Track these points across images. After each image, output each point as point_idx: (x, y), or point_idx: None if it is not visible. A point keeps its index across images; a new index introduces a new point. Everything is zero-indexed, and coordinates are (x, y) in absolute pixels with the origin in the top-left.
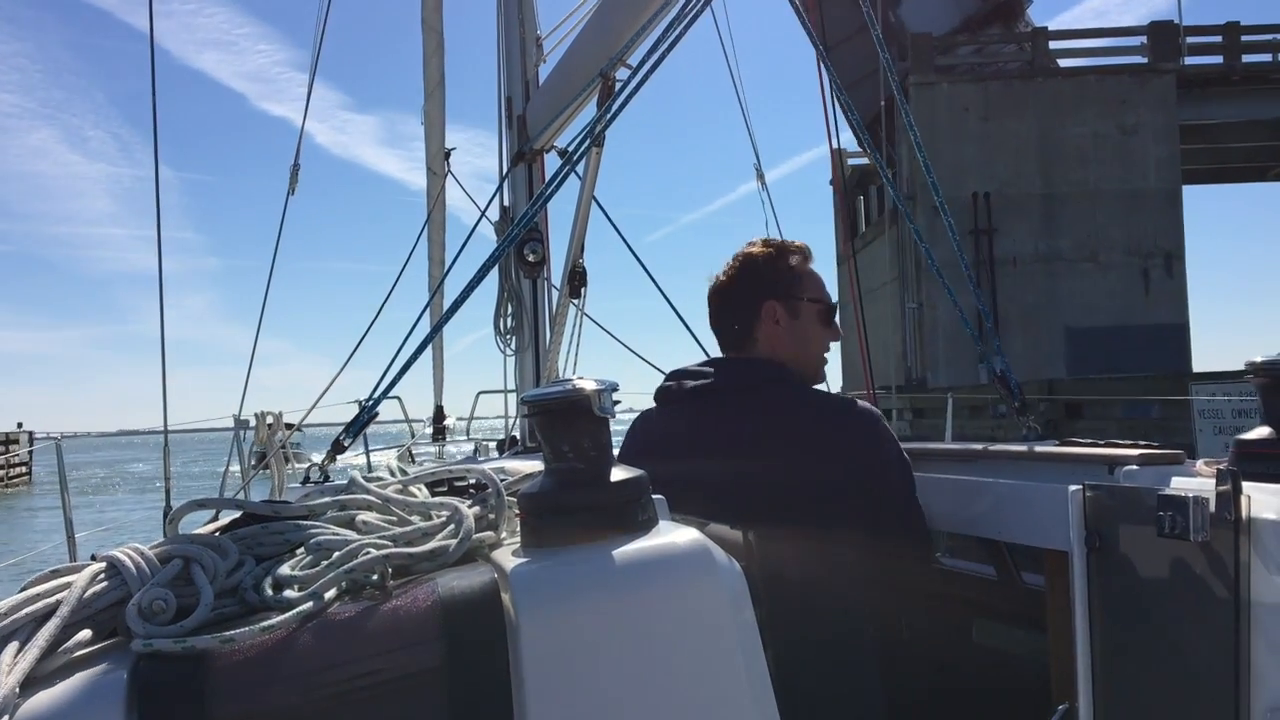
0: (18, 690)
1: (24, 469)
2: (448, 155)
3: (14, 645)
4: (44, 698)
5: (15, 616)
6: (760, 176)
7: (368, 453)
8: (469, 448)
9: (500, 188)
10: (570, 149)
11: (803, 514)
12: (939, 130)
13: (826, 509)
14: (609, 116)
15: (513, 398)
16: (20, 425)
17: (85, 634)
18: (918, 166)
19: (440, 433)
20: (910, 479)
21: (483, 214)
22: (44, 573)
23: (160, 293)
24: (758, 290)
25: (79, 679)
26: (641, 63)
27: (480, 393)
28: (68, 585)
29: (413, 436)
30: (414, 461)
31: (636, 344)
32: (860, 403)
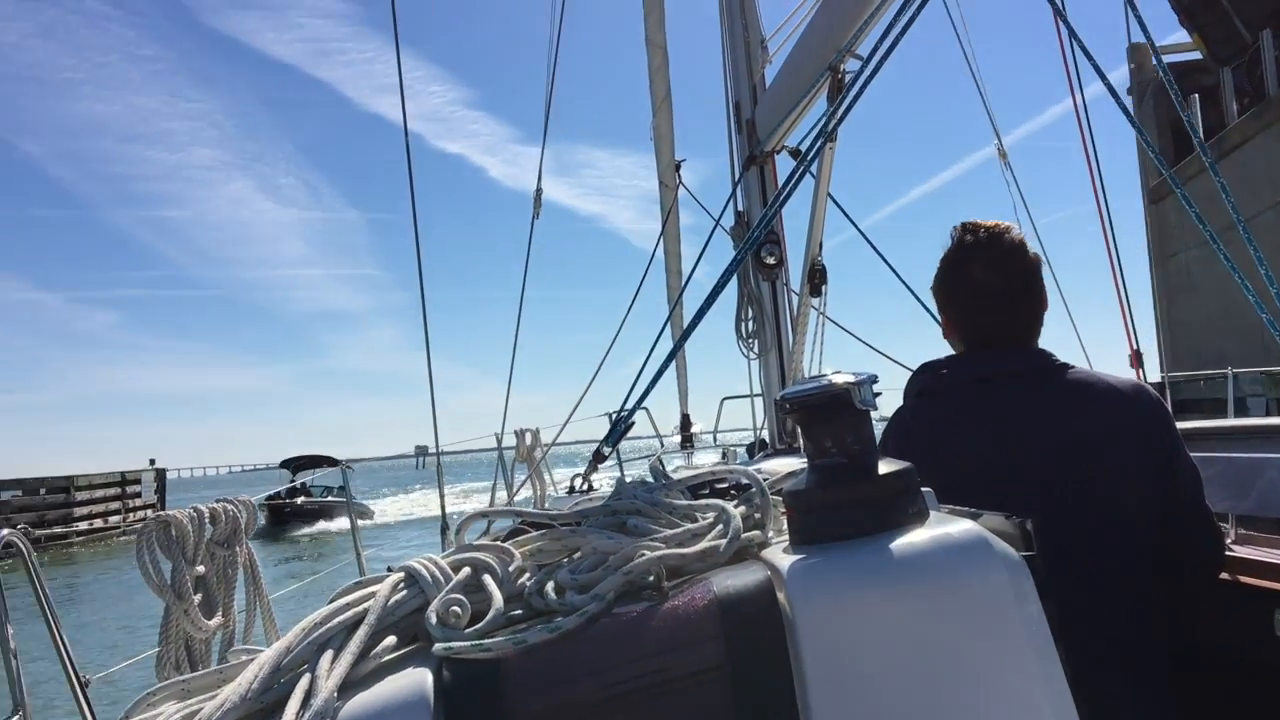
0: (335, 694)
1: (151, 510)
2: (678, 167)
3: (330, 653)
4: (359, 701)
5: (329, 625)
6: (1002, 153)
7: (620, 464)
8: (716, 455)
9: (734, 193)
10: (803, 148)
11: (1101, 502)
12: None
13: (1122, 497)
14: (842, 112)
15: (759, 402)
16: (152, 462)
17: (391, 640)
18: None
19: (688, 440)
20: (1197, 471)
21: (717, 222)
22: (349, 584)
23: (426, 343)
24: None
25: (388, 683)
26: (872, 52)
27: (725, 399)
28: (372, 595)
29: (661, 446)
30: (664, 470)
31: (875, 340)
32: (1148, 387)
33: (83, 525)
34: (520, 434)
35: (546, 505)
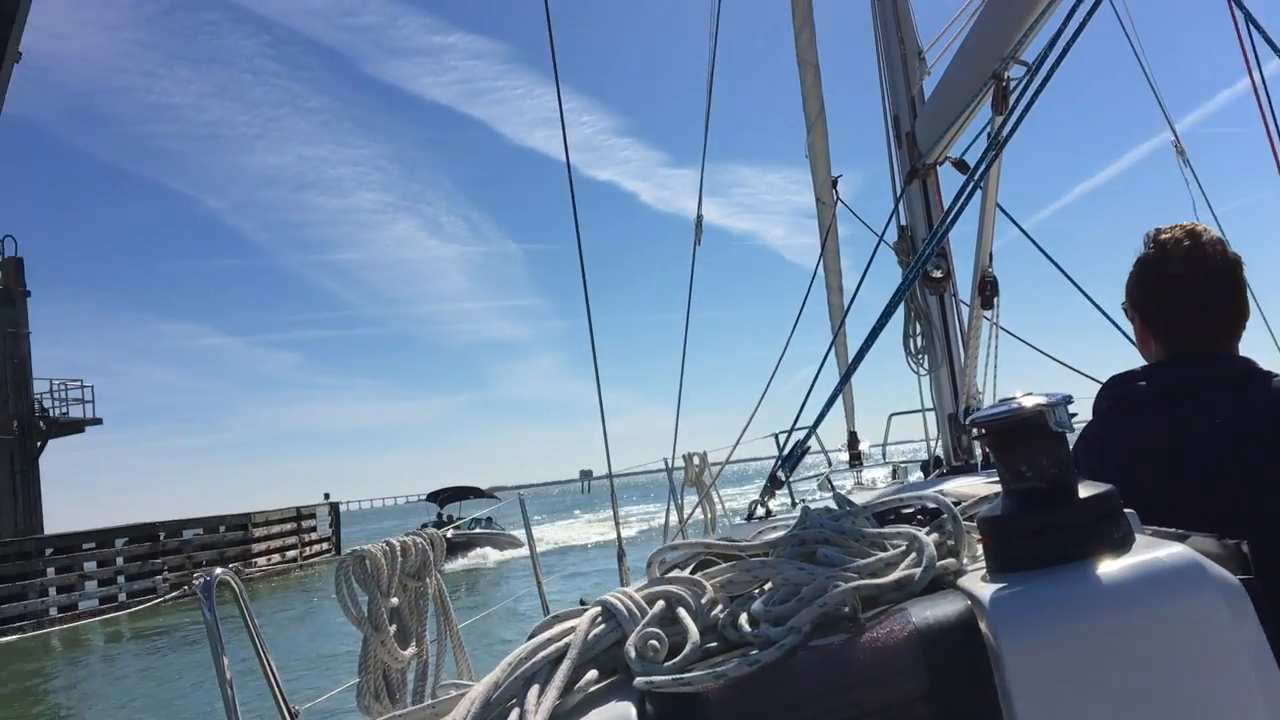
0: None
1: (326, 543)
2: (835, 183)
3: (536, 687)
4: None
5: (533, 660)
6: (1179, 149)
7: (790, 486)
8: (884, 472)
9: (896, 208)
10: (968, 158)
11: None
12: None
13: None
14: (1014, 121)
15: (930, 417)
16: (326, 496)
17: (592, 674)
18: None
19: (856, 458)
20: None
21: (880, 238)
22: (546, 619)
23: (596, 370)
24: (1242, 293)
25: (593, 716)
26: (1040, 58)
27: (893, 414)
28: (571, 630)
29: (829, 465)
30: (833, 489)
31: (1053, 349)
32: None
33: (261, 561)
34: (688, 458)
35: (718, 530)
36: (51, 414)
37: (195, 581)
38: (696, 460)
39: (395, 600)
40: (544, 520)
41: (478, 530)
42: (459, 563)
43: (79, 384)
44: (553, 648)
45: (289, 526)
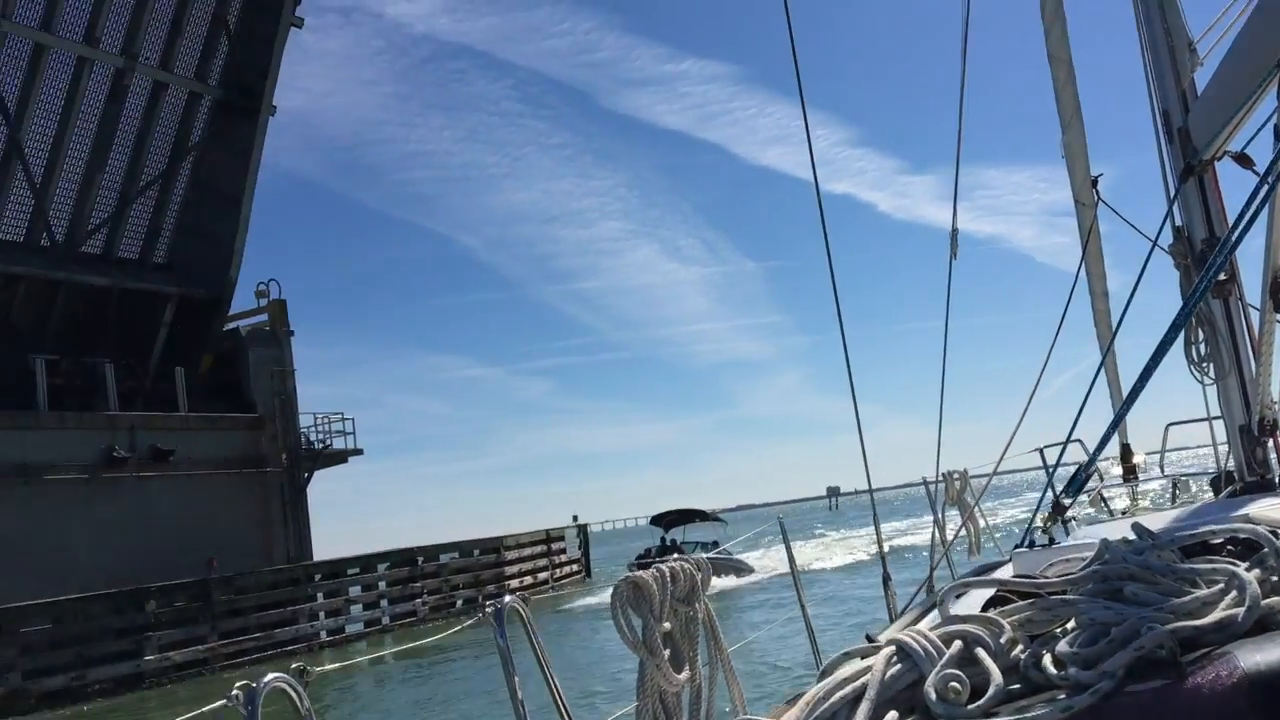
0: None
1: (576, 565)
2: (1095, 182)
3: None
4: None
5: (831, 701)
6: None
7: (1058, 500)
8: (1161, 486)
9: (1170, 208)
10: (1256, 152)
11: None
12: None
13: None
14: None
15: (1218, 427)
16: (575, 518)
17: (892, 715)
18: None
19: (1130, 473)
20: None
21: (1154, 242)
22: (836, 656)
23: (851, 384)
24: None
25: None
26: None
27: (1170, 424)
28: (866, 669)
29: (1101, 480)
30: (1106, 507)
31: None
32: None
33: (514, 583)
34: (948, 476)
35: (982, 551)
36: (316, 446)
37: (487, 609)
38: (957, 478)
39: (667, 625)
40: (779, 542)
41: (702, 555)
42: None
43: (340, 417)
44: (850, 688)
45: (539, 549)
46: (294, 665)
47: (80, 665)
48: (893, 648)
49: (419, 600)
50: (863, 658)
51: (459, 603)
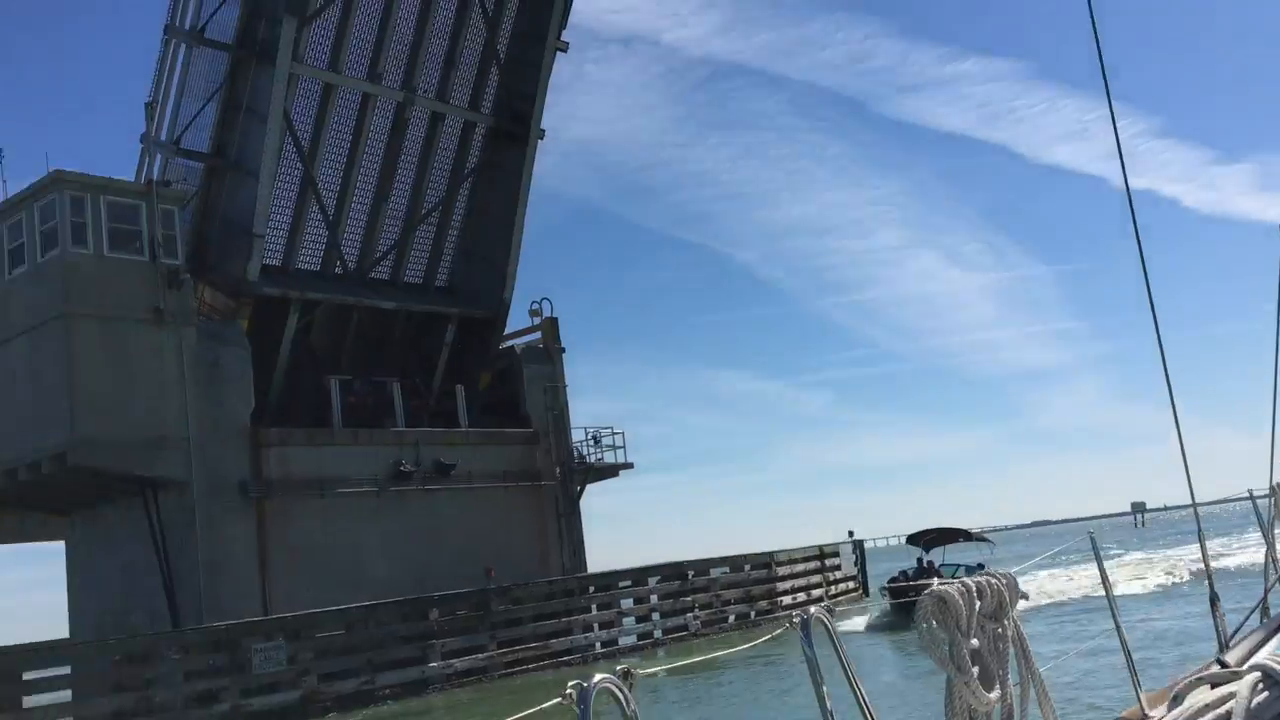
0: None
1: (852, 581)
2: None
3: None
4: None
5: None
6: None
7: None
8: None
9: None
10: None
11: None
12: None
13: None
14: None
15: None
16: (850, 533)
17: None
18: None
19: None
20: None
21: None
22: (1186, 680)
23: (1170, 393)
24: None
25: None
26: None
27: None
28: (1227, 696)
29: None
30: None
31: None
32: None
33: (786, 599)
34: (1277, 489)
35: None
36: (589, 460)
37: (794, 619)
38: None
39: (975, 642)
40: (1080, 561)
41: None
42: None
43: (610, 431)
44: (1212, 715)
45: (812, 565)
46: (619, 667)
47: (370, 670)
48: (1258, 674)
49: (690, 614)
50: (1213, 686)
51: (730, 618)
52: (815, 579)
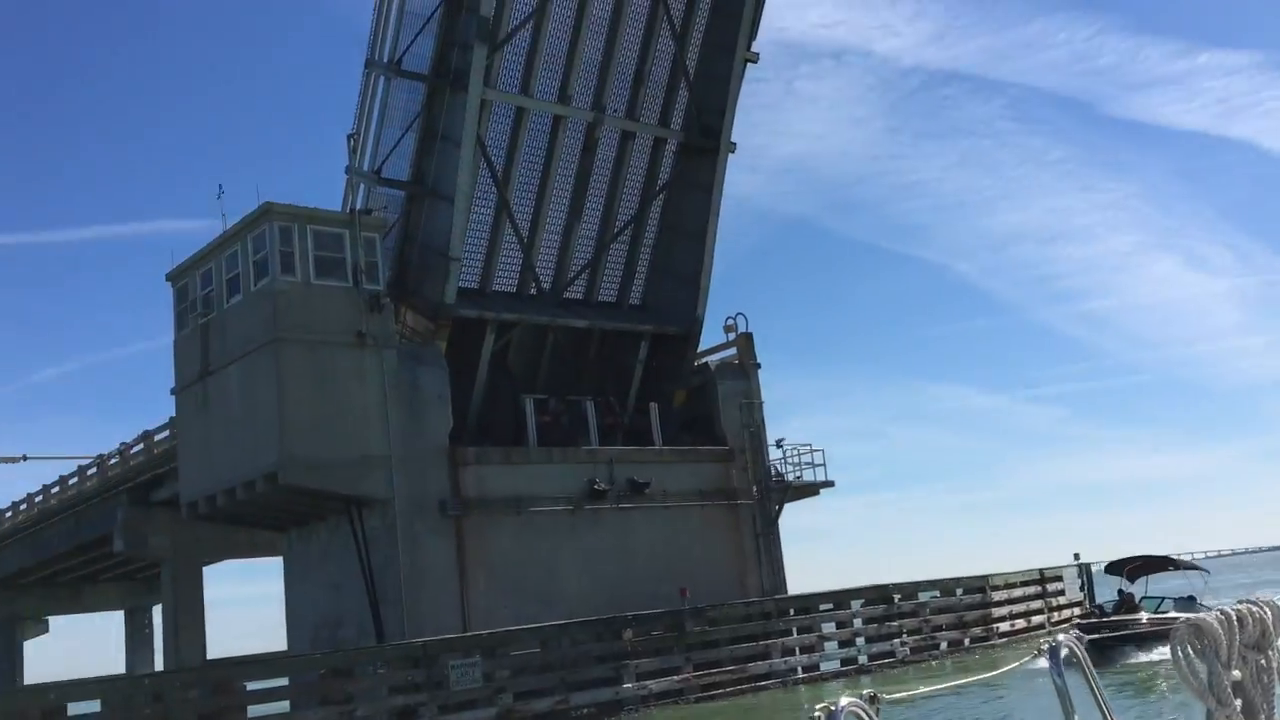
0: None
1: (1078, 608)
2: None
3: None
4: None
5: None
6: None
7: None
8: None
9: None
10: None
11: None
12: None
13: None
14: None
15: None
16: (1076, 556)
17: None
18: None
19: None
20: None
21: None
22: None
23: None
24: None
25: None
26: None
27: None
28: None
29: None
30: None
31: None
32: None
33: (1003, 626)
34: None
35: None
36: (787, 478)
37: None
38: None
39: (1237, 673)
40: None
41: (1173, 614)
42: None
43: (809, 448)
44: None
45: (1032, 590)
46: (865, 691)
47: (564, 689)
48: None
49: (898, 640)
50: None
51: (942, 645)
52: (1035, 605)
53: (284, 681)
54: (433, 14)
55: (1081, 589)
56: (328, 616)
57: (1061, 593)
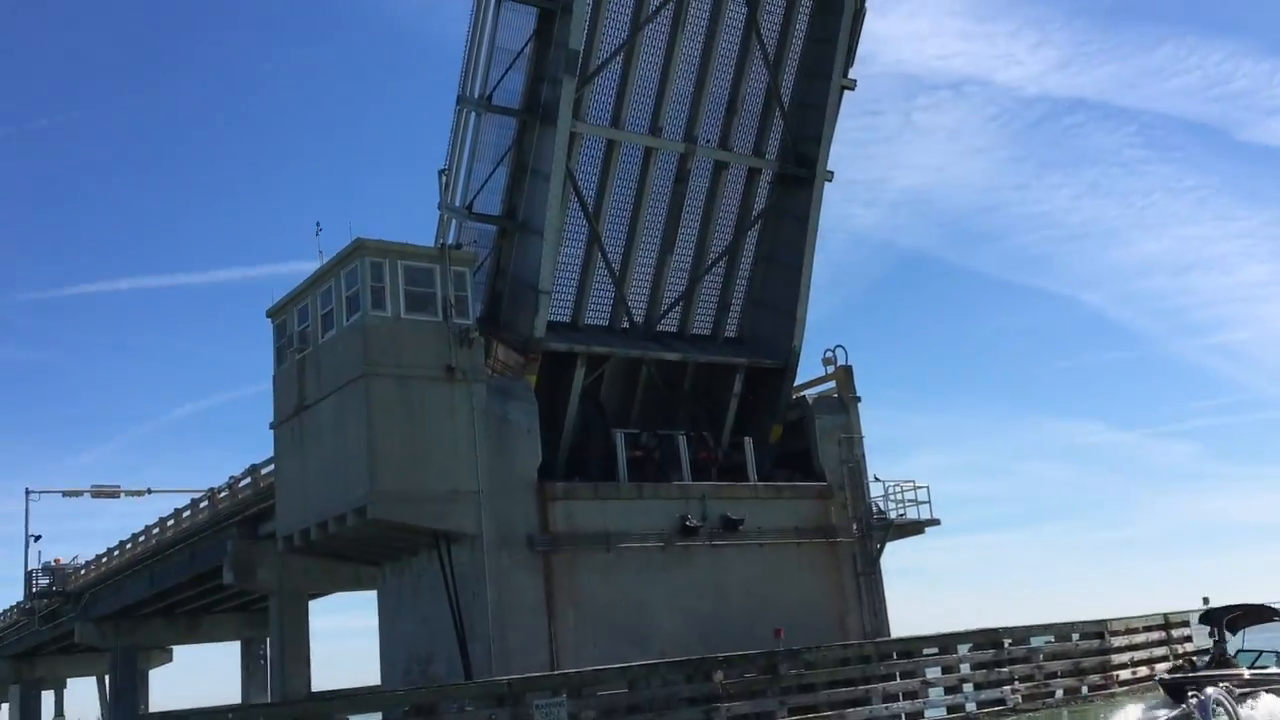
0: None
1: (1208, 655)
2: None
3: None
4: None
5: None
6: None
7: None
8: None
9: None
10: None
11: None
12: None
13: None
14: None
15: None
16: (1205, 601)
17: None
18: None
19: None
20: None
21: None
22: None
23: None
24: None
25: None
26: None
27: None
28: None
29: None
30: None
31: None
32: None
33: (1123, 674)
34: None
35: None
36: (889, 516)
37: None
38: None
39: None
40: None
41: (1274, 669)
42: (1252, 712)
43: (912, 484)
44: None
45: (1155, 636)
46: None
47: None
48: None
49: (1008, 688)
50: None
51: (1058, 693)
52: (1159, 652)
53: (376, 717)
54: (523, 49)
55: (1210, 635)
56: (419, 652)
57: (1188, 639)
